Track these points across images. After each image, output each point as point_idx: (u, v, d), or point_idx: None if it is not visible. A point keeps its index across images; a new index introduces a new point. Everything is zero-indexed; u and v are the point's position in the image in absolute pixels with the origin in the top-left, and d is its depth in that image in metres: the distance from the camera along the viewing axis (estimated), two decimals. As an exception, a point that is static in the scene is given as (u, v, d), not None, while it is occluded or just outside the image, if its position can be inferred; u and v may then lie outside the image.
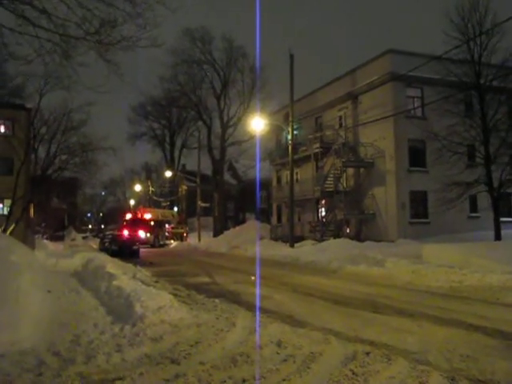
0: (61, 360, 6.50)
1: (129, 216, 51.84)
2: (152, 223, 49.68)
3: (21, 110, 34.84)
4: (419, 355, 6.65)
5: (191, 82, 54.93)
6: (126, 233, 43.36)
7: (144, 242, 46.06)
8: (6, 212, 30.56)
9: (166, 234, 54.37)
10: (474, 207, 29.70)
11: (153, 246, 46.59)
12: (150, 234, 47.96)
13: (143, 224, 48.09)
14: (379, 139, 30.61)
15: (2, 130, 34.78)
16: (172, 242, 52.73)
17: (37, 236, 39.55)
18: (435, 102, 24.37)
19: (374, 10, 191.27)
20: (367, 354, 6.65)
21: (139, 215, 51.00)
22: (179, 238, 55.62)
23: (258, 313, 9.63)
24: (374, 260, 18.84)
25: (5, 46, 12.53)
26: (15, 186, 28.73)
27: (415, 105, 30.52)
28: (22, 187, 30.17)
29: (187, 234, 57.39)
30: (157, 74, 64.93)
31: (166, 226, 55.22)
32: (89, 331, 8.03)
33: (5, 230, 26.49)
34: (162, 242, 49.74)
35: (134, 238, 39.62)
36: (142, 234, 46.59)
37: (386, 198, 30.26)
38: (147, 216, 50.82)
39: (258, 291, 13.16)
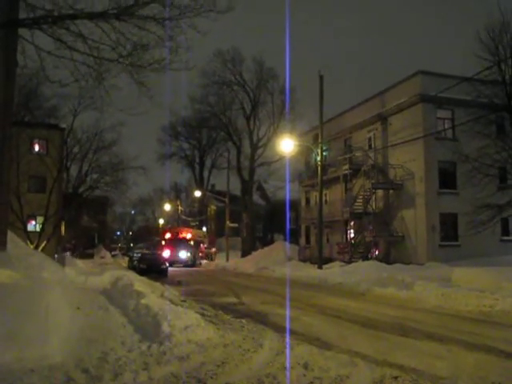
0: (89, 377, 6.56)
1: (168, 235, 52.14)
2: (191, 243, 49.96)
3: (55, 130, 35.67)
4: (449, 381, 6.55)
5: (221, 102, 55.37)
6: (167, 252, 43.88)
7: (183, 262, 46.34)
8: (38, 229, 31.08)
9: (200, 253, 54.72)
10: (506, 230, 29.19)
11: (190, 265, 46.62)
12: (190, 254, 48.18)
13: (183, 243, 48.39)
14: (409, 161, 30.35)
15: (37, 149, 35.61)
16: (205, 261, 52.96)
17: (67, 253, 40.01)
18: (466, 123, 24.10)
19: (402, 33, 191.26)
20: (395, 378, 6.57)
21: (179, 234, 51.23)
22: (210, 257, 55.90)
23: (287, 334, 9.58)
24: (402, 283, 18.59)
25: (42, 69, 12.93)
26: (48, 204, 29.35)
27: (445, 126, 30.22)
28: (54, 205, 30.79)
29: (216, 253, 57.65)
30: (187, 94, 65.44)
31: (201, 245, 55.62)
32: (116, 349, 8.06)
33: (37, 247, 27.00)
34: (198, 262, 49.87)
35: (174, 258, 40.11)
36: (183, 253, 46.93)
37: (415, 220, 29.91)
38: (188, 236, 51.10)
39: (286, 312, 13.09)
